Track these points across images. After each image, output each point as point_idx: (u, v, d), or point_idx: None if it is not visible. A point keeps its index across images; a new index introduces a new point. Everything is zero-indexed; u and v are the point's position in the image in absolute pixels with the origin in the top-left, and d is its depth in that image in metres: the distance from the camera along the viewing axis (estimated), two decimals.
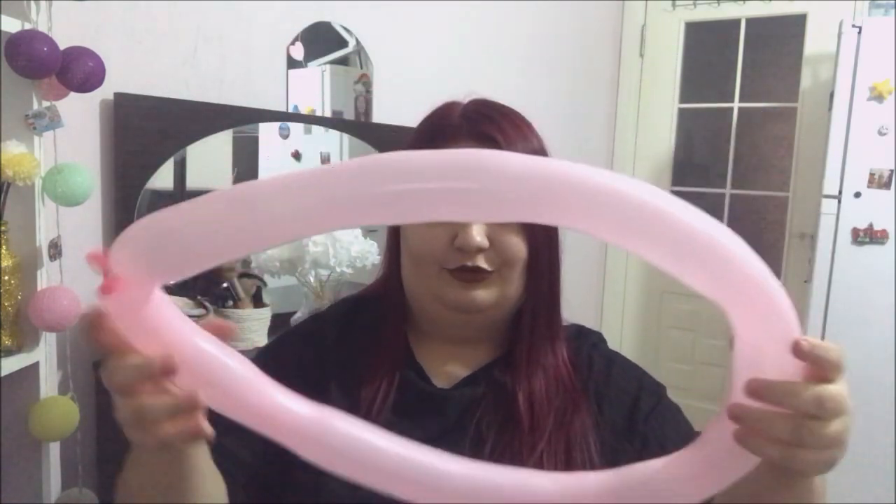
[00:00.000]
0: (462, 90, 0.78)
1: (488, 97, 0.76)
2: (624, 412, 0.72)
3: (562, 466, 0.67)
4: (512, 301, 0.73)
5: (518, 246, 0.70)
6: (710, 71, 3.34)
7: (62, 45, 1.16)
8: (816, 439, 0.44)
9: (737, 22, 3.12)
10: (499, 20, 2.59)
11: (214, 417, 0.76)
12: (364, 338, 0.76)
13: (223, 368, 0.46)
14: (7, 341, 1.20)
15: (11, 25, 1.12)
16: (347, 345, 0.76)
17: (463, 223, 0.68)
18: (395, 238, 0.77)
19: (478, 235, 0.67)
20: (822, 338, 2.51)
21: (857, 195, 2.36)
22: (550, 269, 0.75)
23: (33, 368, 1.24)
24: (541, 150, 0.73)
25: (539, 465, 0.67)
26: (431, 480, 0.46)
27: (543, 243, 0.72)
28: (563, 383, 0.73)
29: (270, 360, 0.79)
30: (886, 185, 2.32)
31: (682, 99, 3.28)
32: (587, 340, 0.79)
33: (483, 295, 0.70)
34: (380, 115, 2.11)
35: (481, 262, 0.68)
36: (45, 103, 1.18)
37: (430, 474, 0.46)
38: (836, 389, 0.44)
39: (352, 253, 1.64)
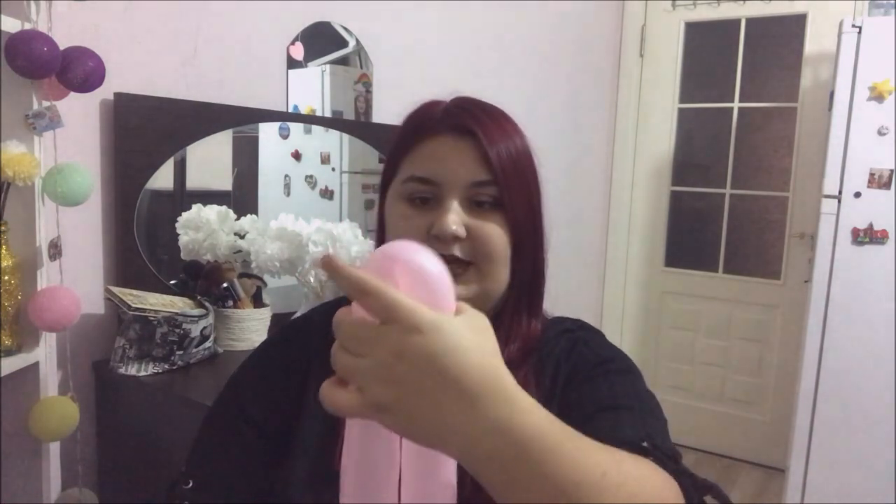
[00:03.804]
0: (462, 90, 0.78)
1: (485, 97, 0.76)
2: (568, 383, 0.71)
3: None
4: (494, 296, 0.72)
5: (497, 238, 0.69)
6: (710, 71, 3.34)
7: (62, 45, 1.16)
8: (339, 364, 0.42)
9: (737, 22, 3.12)
10: (499, 20, 2.59)
11: (199, 458, 0.75)
12: None
13: None
14: (7, 341, 1.20)
15: (11, 25, 1.12)
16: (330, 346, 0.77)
17: (440, 211, 0.68)
18: (381, 237, 0.77)
19: (453, 224, 0.67)
20: (823, 338, 2.50)
21: (857, 195, 2.36)
22: (534, 263, 0.74)
23: (33, 368, 1.24)
24: (523, 149, 0.72)
25: None
26: None
27: (527, 236, 0.72)
28: (524, 367, 0.71)
29: (258, 365, 0.79)
30: (886, 185, 2.32)
31: (682, 99, 3.28)
32: (558, 327, 0.77)
33: (461, 291, 0.68)
34: (380, 115, 2.11)
35: (457, 252, 0.68)
36: (45, 103, 1.18)
37: None
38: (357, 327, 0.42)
39: (352, 253, 1.64)
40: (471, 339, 0.42)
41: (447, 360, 0.40)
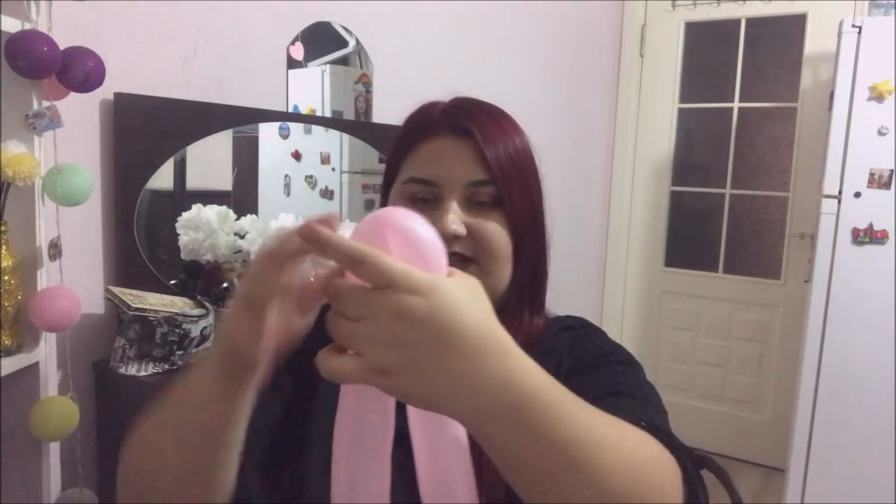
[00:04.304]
0: (462, 90, 0.78)
1: (485, 98, 0.77)
2: (570, 376, 0.71)
3: None
4: (496, 293, 0.72)
5: (497, 235, 0.70)
6: (710, 71, 3.34)
7: (62, 45, 1.16)
8: (337, 330, 0.42)
9: (737, 22, 3.12)
10: (499, 20, 2.59)
11: None
12: None
13: None
14: (7, 341, 1.20)
15: (11, 25, 1.12)
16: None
17: (440, 211, 0.69)
18: None
19: (453, 224, 0.68)
20: (822, 338, 2.50)
21: (857, 195, 2.36)
22: (535, 261, 0.75)
23: (33, 368, 1.24)
24: (522, 147, 0.73)
25: None
26: None
27: (528, 234, 0.73)
28: None
29: None
30: (886, 185, 2.32)
31: (682, 99, 3.28)
32: (560, 324, 0.78)
33: None
34: (380, 115, 2.11)
35: (458, 250, 0.69)
36: (45, 103, 1.18)
37: None
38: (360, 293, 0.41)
39: None
40: (467, 297, 0.42)
41: (446, 319, 0.40)
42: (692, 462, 0.51)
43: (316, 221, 0.43)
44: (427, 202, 0.70)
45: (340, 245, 0.41)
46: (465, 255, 0.69)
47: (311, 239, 0.41)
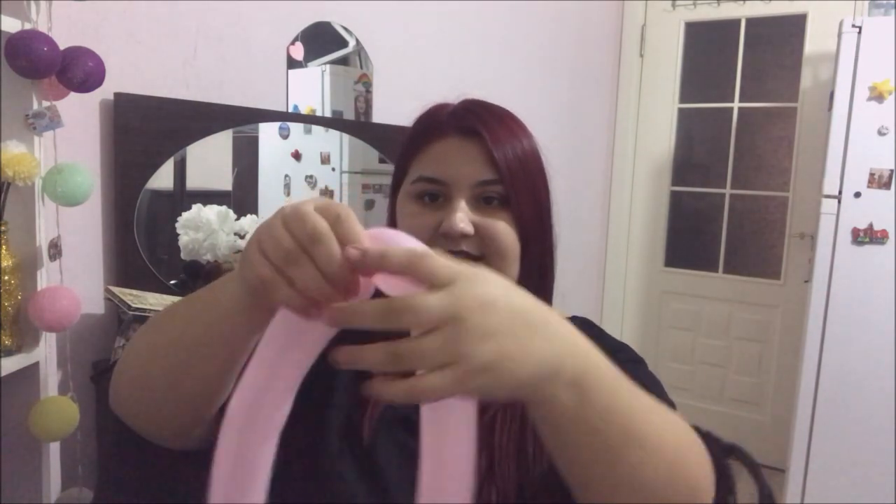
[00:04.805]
0: (462, 90, 0.78)
1: (485, 98, 0.77)
2: None
3: (515, 434, 0.67)
4: None
5: (506, 235, 0.71)
6: (710, 71, 3.34)
7: (62, 45, 1.16)
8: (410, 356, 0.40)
9: (737, 22, 3.12)
10: (499, 20, 2.59)
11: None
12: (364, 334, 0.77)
13: None
14: (7, 341, 1.20)
15: (11, 25, 1.12)
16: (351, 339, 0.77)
17: (448, 210, 0.70)
18: None
19: (461, 222, 0.68)
20: (823, 338, 2.49)
21: (857, 195, 2.36)
22: (542, 260, 0.75)
23: (33, 368, 1.24)
24: (530, 149, 0.74)
25: (491, 425, 0.66)
26: None
27: (535, 235, 0.73)
28: None
29: None
30: (886, 185, 2.32)
31: (682, 99, 3.28)
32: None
33: None
34: (380, 115, 2.11)
35: (466, 248, 0.70)
36: (45, 103, 1.18)
37: None
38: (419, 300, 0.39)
39: None
40: (500, 279, 0.44)
41: (514, 298, 0.42)
42: (720, 450, 0.54)
43: (352, 248, 0.41)
44: (435, 199, 0.71)
45: (397, 253, 0.40)
46: (472, 254, 0.70)
47: (362, 261, 0.40)
